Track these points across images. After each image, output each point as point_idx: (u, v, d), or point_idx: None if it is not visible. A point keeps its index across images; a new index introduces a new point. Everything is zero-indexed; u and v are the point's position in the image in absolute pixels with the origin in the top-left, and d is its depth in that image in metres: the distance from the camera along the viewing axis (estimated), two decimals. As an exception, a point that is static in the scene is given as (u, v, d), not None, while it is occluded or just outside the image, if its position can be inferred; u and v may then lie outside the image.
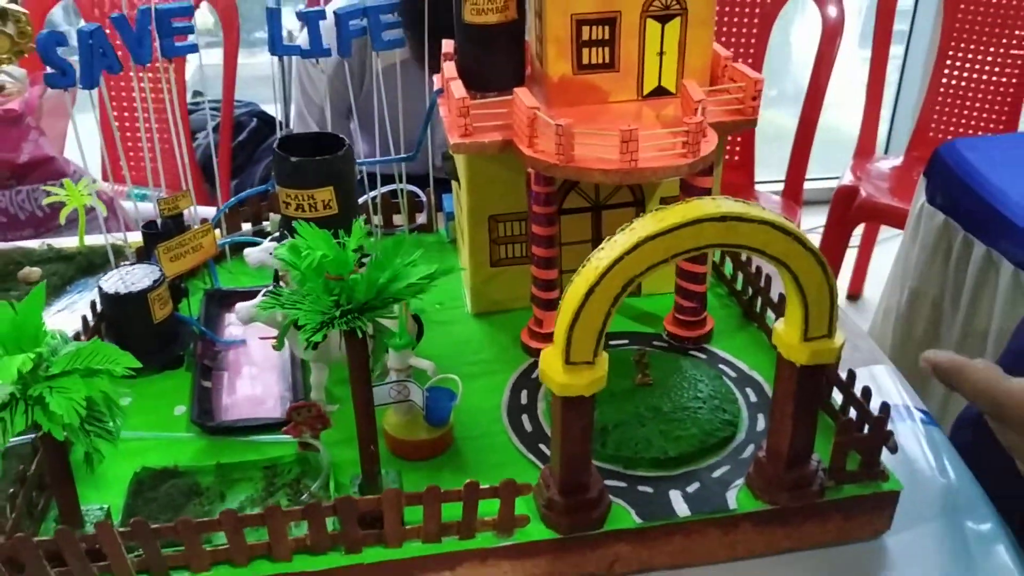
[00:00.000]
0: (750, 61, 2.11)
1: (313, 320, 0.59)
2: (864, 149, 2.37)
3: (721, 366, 0.88)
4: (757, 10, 2.11)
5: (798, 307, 0.65)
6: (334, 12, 0.96)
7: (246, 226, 1.13)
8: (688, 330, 0.92)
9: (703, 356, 0.90)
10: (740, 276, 0.99)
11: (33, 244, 1.12)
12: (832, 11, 1.99)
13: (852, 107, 2.47)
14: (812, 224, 2.63)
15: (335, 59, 1.49)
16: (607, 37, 0.90)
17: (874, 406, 0.73)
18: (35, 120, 1.72)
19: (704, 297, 0.94)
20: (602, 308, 0.61)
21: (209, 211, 2.00)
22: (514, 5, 0.91)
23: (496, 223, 0.95)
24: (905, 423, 0.88)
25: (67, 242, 1.14)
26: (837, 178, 3.05)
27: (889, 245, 2.56)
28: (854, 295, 2.73)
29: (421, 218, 1.16)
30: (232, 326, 0.98)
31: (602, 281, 0.60)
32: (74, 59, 0.84)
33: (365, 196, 1.12)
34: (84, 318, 0.88)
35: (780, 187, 2.21)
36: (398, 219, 1.16)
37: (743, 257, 1.00)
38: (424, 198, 1.15)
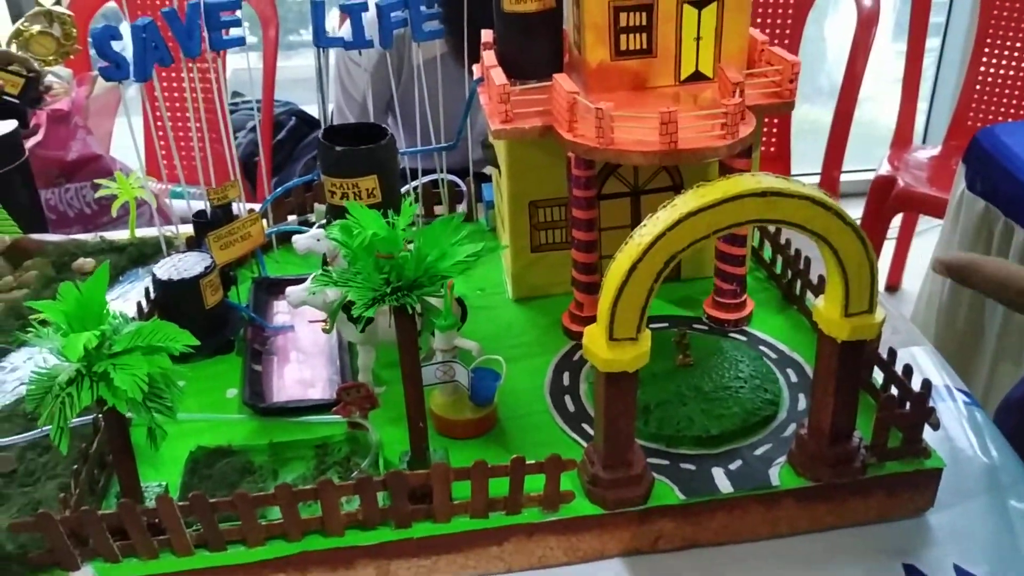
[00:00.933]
0: (787, 41, 2.11)
1: (365, 296, 0.61)
2: (901, 139, 2.36)
3: (761, 347, 0.89)
4: (791, 0, 2.10)
5: (839, 283, 0.65)
6: (376, 4, 0.98)
7: (291, 217, 1.16)
8: (728, 312, 0.93)
9: (743, 338, 0.91)
10: (779, 259, 1.00)
11: (86, 236, 1.15)
12: (867, 0, 1.98)
13: (887, 101, 2.46)
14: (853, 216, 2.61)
15: (375, 54, 1.52)
16: (644, 23, 0.91)
17: (915, 385, 0.74)
18: (82, 119, 1.76)
19: (744, 280, 0.95)
20: (645, 284, 0.62)
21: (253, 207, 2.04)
22: (552, -5, 0.92)
23: (536, 208, 0.96)
24: (946, 403, 0.88)
25: (118, 235, 1.18)
26: (873, 170, 3.04)
27: (927, 236, 2.54)
28: (893, 286, 2.70)
29: (461, 207, 1.18)
30: (281, 313, 1.00)
31: (645, 257, 0.61)
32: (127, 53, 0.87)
33: (406, 187, 1.14)
34: (139, 304, 0.91)
35: (816, 180, 2.21)
36: (439, 209, 1.18)
37: (782, 240, 1.00)
38: (464, 188, 1.17)
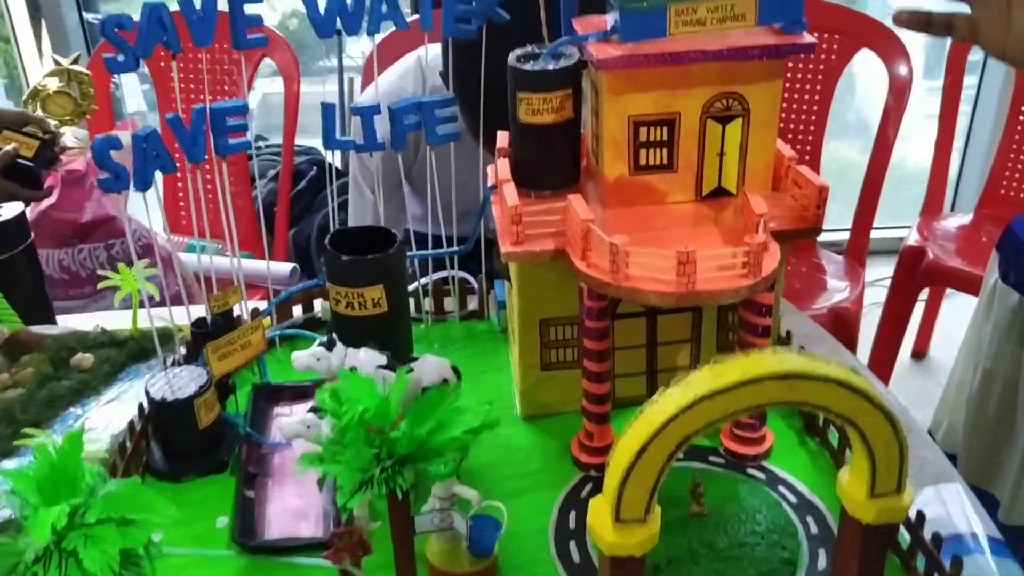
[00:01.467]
0: (814, 118, 2.06)
1: (351, 480, 0.57)
2: (931, 207, 2.30)
3: (781, 489, 0.84)
4: (822, 66, 2.06)
5: (864, 462, 0.61)
6: (388, 107, 0.95)
7: (297, 310, 1.13)
8: (746, 446, 0.88)
9: (762, 476, 0.86)
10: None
11: (87, 326, 1.12)
12: (902, 69, 1.93)
13: (918, 138, 2.38)
14: (877, 275, 2.55)
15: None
16: (665, 138, 0.87)
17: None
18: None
19: (764, 412, 0.90)
20: (655, 465, 0.58)
21: (257, 265, 2.01)
22: (571, 105, 0.89)
23: (547, 327, 0.92)
24: (973, 556, 0.82)
25: (122, 320, 1.14)
26: (903, 227, 2.97)
27: (956, 300, 2.47)
28: (920, 353, 2.64)
29: (472, 303, 1.14)
30: (277, 426, 0.97)
31: (656, 438, 0.57)
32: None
33: (415, 284, 1.10)
34: (131, 423, 0.88)
35: (843, 233, 2.14)
36: (449, 304, 1.14)
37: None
38: (476, 284, 1.13)
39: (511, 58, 0.89)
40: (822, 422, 0.91)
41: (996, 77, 2.74)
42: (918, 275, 2.14)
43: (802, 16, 0.84)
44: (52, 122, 1.67)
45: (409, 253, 1.02)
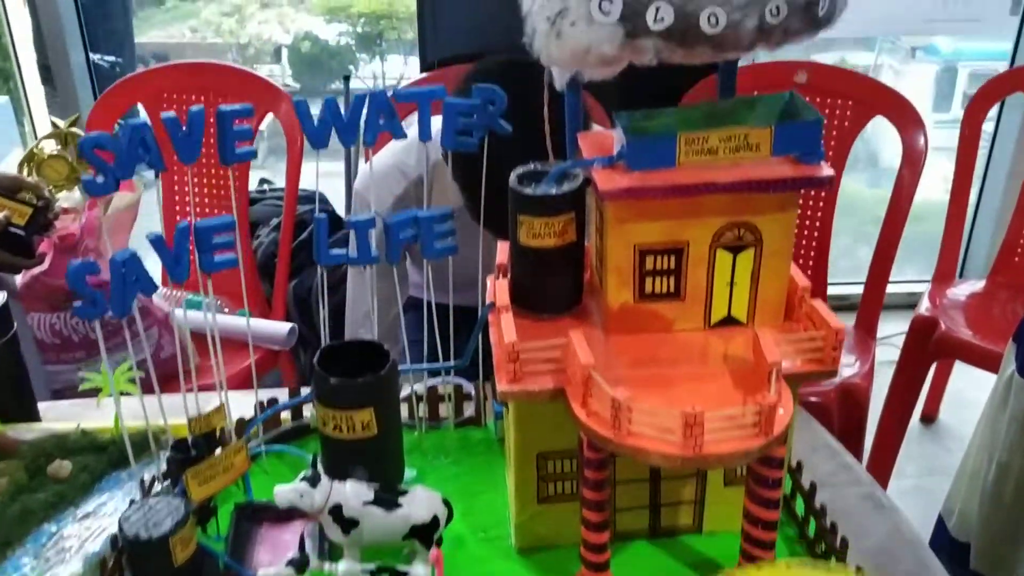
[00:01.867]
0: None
1: None
2: (944, 273, 2.25)
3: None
4: (835, 132, 2.02)
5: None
6: (384, 221, 0.91)
7: (285, 416, 1.08)
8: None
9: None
10: (812, 521, 0.90)
11: (67, 426, 1.07)
12: (918, 141, 1.89)
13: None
14: (885, 332, 2.50)
15: (391, 200, 1.45)
16: (673, 267, 0.83)
17: None
18: (93, 241, 1.71)
19: (774, 544, 0.85)
20: None
21: (255, 324, 1.96)
22: (574, 228, 0.85)
23: (544, 460, 0.87)
24: None
25: (104, 420, 1.10)
26: (913, 282, 2.91)
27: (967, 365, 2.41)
28: (929, 417, 2.59)
29: (469, 410, 1.10)
30: (262, 546, 0.92)
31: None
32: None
33: (407, 391, 1.06)
34: (103, 560, 0.83)
35: (852, 287, 2.07)
36: (444, 411, 1.09)
37: (817, 504, 0.91)
38: (472, 390, 1.09)
39: (512, 179, 0.85)
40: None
41: (1011, 130, 2.70)
42: (930, 347, 2.09)
43: (819, 147, 0.80)
44: (47, 187, 1.63)
45: (402, 367, 0.98)
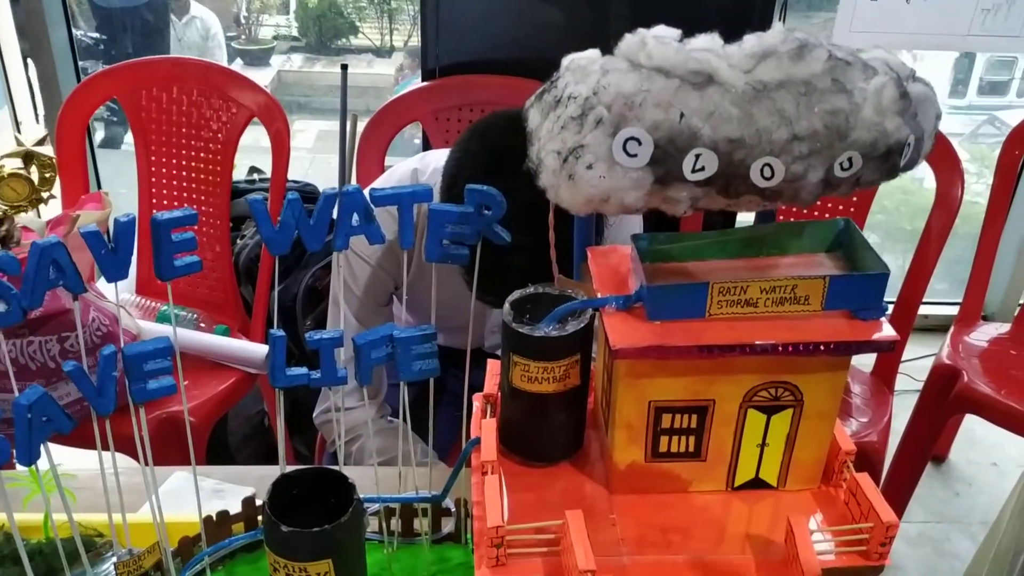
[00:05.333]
0: (853, 210, 1.85)
1: None
2: (967, 317, 2.11)
3: None
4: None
5: None
6: (353, 339, 0.77)
7: (238, 528, 0.95)
8: None
9: None
10: None
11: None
12: (956, 189, 1.74)
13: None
14: (911, 355, 2.38)
15: (380, 248, 1.31)
16: (694, 426, 0.70)
17: None
18: (53, 261, 1.57)
19: None
20: None
21: (231, 345, 1.83)
22: (577, 372, 0.71)
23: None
24: None
25: (34, 518, 0.97)
26: (937, 303, 2.76)
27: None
28: (939, 457, 2.47)
29: (448, 525, 0.96)
30: None
31: None
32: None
33: (376, 505, 0.92)
34: None
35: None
36: (419, 524, 0.96)
37: None
38: (453, 507, 0.96)
39: (505, 310, 0.71)
40: None
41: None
42: (951, 400, 1.96)
43: (881, 303, 0.65)
44: (3, 208, 1.49)
45: (369, 497, 0.84)
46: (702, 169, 0.54)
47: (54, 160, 1.52)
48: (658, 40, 0.55)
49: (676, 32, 0.58)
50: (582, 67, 0.58)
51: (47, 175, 1.52)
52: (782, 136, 0.53)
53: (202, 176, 1.91)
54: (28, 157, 1.51)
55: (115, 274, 0.67)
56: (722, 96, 0.53)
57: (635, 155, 0.54)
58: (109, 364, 0.69)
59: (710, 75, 0.54)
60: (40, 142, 1.51)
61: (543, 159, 0.57)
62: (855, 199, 1.83)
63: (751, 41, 0.56)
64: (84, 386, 0.69)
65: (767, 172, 0.53)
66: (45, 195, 1.52)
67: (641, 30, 0.57)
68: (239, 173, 2.17)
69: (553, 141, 0.56)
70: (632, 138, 0.53)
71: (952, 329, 2.10)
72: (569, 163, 0.55)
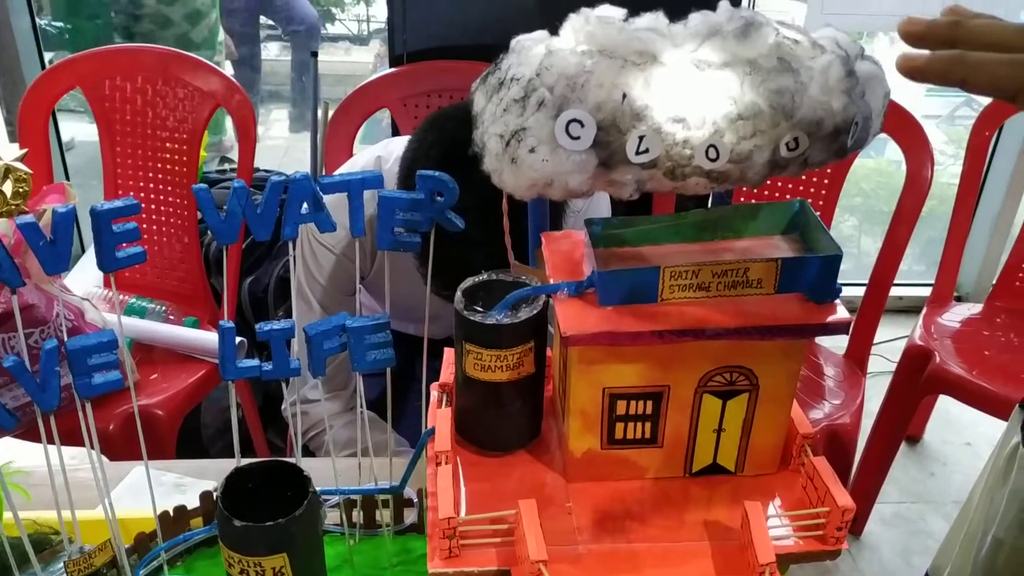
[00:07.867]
0: (821, 203, 1.86)
1: None
2: (940, 297, 2.11)
3: None
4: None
5: None
6: (304, 330, 0.75)
7: (196, 523, 0.93)
8: None
9: None
10: None
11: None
12: (925, 171, 1.74)
13: None
14: (886, 336, 2.39)
15: (344, 235, 1.30)
16: (649, 412, 0.69)
17: None
18: (19, 258, 1.54)
19: None
20: None
21: (200, 337, 1.81)
22: (532, 359, 0.70)
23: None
24: None
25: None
26: (912, 284, 2.77)
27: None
28: (914, 437, 2.48)
29: (411, 516, 0.95)
30: None
31: None
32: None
33: (336, 498, 0.91)
34: None
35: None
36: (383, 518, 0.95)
37: None
38: (416, 498, 0.95)
39: (457, 298, 0.69)
40: None
41: (1012, 145, 2.55)
42: (923, 381, 1.96)
43: (835, 285, 0.65)
44: (-30, 216, 1.46)
45: (326, 490, 0.83)
46: (646, 151, 0.52)
47: (30, 176, 1.49)
48: (601, 20, 0.54)
49: (621, 12, 0.56)
50: (526, 48, 0.56)
51: (20, 189, 1.48)
52: (727, 116, 0.52)
53: (168, 166, 1.88)
54: (3, 172, 1.49)
55: (54, 266, 0.66)
56: (666, 76, 0.52)
57: (578, 137, 0.53)
58: (51, 358, 0.68)
59: (653, 55, 0.52)
60: (20, 158, 1.48)
61: (486, 143, 0.56)
62: (827, 181, 1.83)
63: (696, 19, 0.55)
64: (26, 381, 0.67)
65: (712, 153, 0.52)
66: (15, 209, 1.49)
67: (585, 10, 0.55)
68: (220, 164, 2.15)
69: (496, 124, 0.55)
70: (574, 120, 0.52)
71: (925, 310, 2.10)
72: (512, 146, 0.54)
